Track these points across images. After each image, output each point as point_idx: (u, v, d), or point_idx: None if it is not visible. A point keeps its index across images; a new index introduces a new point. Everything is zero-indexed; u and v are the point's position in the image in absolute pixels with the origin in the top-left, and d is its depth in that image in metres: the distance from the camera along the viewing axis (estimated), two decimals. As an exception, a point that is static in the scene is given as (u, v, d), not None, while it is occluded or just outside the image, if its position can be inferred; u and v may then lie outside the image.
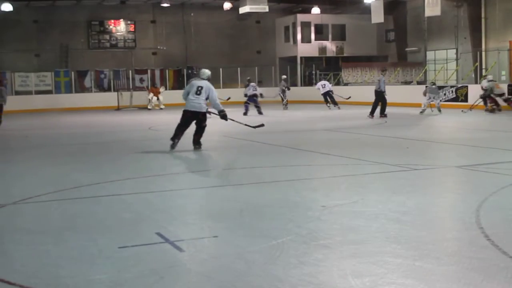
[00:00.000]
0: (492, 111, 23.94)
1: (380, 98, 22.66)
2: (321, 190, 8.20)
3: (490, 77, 25.53)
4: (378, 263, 4.75)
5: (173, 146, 13.01)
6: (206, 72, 13.81)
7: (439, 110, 24.35)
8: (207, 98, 13.33)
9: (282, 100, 30.46)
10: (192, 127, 13.27)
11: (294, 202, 7.22)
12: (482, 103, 24.71)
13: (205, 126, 13.44)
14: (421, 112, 24.19)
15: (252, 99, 26.11)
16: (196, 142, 13.35)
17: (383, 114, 22.41)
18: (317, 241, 5.46)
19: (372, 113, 22.41)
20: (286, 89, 30.60)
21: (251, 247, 5.30)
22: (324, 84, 29.61)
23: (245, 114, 24.55)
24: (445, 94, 28.74)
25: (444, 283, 4.31)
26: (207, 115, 13.69)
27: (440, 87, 27.60)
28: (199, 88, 13.30)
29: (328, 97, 29.22)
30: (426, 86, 26.29)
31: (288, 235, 5.64)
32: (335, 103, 28.99)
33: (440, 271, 4.58)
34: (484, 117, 21.81)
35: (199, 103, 13.24)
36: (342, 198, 7.38)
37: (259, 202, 7.28)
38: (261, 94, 26.46)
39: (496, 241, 5.25)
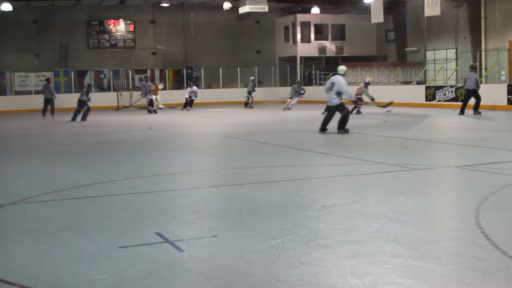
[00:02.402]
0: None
1: (474, 95, 22.52)
2: (321, 190, 8.20)
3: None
4: (378, 263, 4.75)
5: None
6: (342, 68, 16.65)
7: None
8: (339, 93, 15.99)
9: (248, 100, 31.30)
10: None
11: (294, 202, 7.22)
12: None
13: (346, 114, 16.08)
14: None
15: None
16: (340, 127, 16.07)
17: (477, 111, 22.32)
18: (316, 241, 5.46)
19: (476, 109, 22.39)
20: (252, 90, 31.41)
21: (250, 247, 5.30)
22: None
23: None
24: (444, 94, 28.75)
25: (443, 283, 4.31)
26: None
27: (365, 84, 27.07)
28: (331, 84, 16.12)
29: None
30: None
31: (288, 235, 5.64)
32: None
33: (440, 271, 4.58)
34: (484, 117, 21.78)
35: (330, 98, 16.16)
36: (342, 198, 7.38)
37: (259, 202, 7.28)
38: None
39: (495, 241, 5.25)
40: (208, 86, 40.76)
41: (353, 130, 16.23)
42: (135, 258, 5.10)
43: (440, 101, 28.67)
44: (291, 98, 29.26)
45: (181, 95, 32.86)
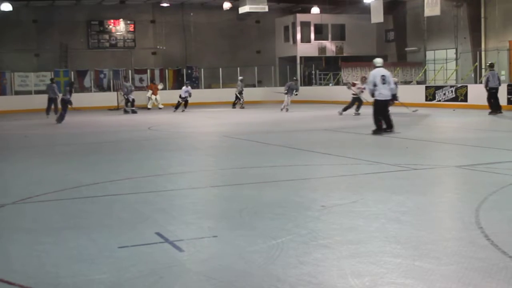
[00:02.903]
0: None
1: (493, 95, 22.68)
2: (321, 190, 8.20)
3: None
4: (378, 263, 4.76)
5: (380, 132, 15.34)
6: (380, 60, 16.16)
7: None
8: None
9: (237, 100, 31.22)
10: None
11: (294, 202, 7.22)
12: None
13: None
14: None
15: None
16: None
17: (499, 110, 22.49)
18: (316, 241, 5.46)
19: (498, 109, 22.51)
20: (242, 90, 31.40)
21: (250, 247, 5.30)
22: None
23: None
24: (444, 94, 28.75)
25: (443, 283, 4.31)
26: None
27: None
28: (383, 78, 15.39)
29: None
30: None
31: (288, 235, 5.65)
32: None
33: (440, 271, 4.58)
34: (484, 117, 21.79)
35: (385, 91, 15.41)
36: (342, 198, 7.38)
37: (259, 202, 7.28)
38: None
39: (495, 241, 5.25)
40: (208, 86, 40.77)
41: (352, 130, 16.20)
42: (135, 258, 5.10)
43: (440, 101, 28.67)
44: (286, 93, 28.65)
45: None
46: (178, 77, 40.35)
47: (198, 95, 33.98)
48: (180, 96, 30.55)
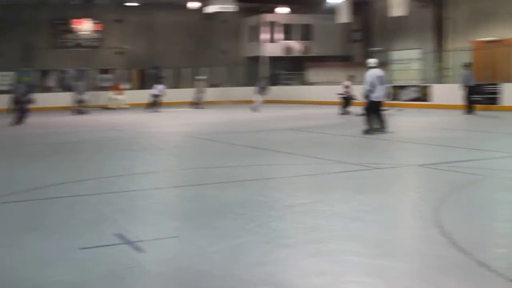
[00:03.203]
0: None
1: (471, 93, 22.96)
2: (284, 189, 8.21)
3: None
4: (339, 262, 4.78)
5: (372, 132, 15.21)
6: (373, 60, 15.92)
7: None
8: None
9: (197, 100, 31.10)
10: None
11: (257, 201, 7.22)
12: None
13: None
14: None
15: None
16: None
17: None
18: (279, 240, 5.47)
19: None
20: (204, 90, 31.30)
21: (212, 247, 5.29)
22: None
23: None
24: (409, 94, 29.03)
25: (403, 281, 4.36)
26: None
27: None
28: (379, 78, 15.36)
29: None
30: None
31: (250, 234, 5.65)
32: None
33: (400, 268, 4.63)
34: (447, 116, 22.04)
35: (379, 93, 15.41)
36: (305, 197, 7.41)
37: (221, 202, 7.26)
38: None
39: (454, 239, 5.32)
40: (174, 86, 40.58)
41: (317, 130, 16.26)
42: (96, 259, 5.06)
43: (405, 100, 28.90)
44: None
45: (147, 95, 32.62)
46: (144, 77, 40.11)
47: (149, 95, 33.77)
48: (152, 95, 30.03)
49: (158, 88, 30.21)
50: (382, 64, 36.95)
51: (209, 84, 34.30)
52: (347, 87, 25.26)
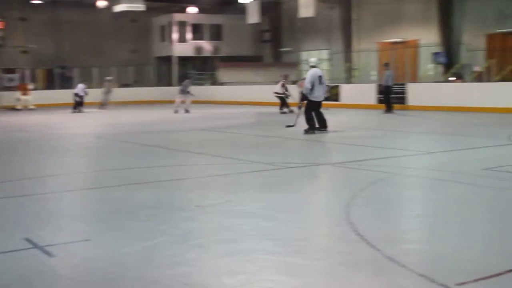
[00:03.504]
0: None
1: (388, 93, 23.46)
2: (196, 190, 8.20)
3: None
4: (252, 261, 4.80)
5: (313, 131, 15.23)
6: (314, 59, 15.81)
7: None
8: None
9: (104, 101, 30.80)
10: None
11: (168, 202, 7.17)
12: None
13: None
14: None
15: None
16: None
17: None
18: (191, 241, 5.45)
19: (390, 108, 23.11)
20: (109, 90, 31.02)
21: (124, 249, 5.21)
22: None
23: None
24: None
25: (315, 278, 4.41)
26: None
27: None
28: (319, 78, 15.12)
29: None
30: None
31: (162, 236, 5.60)
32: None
33: (312, 266, 4.69)
34: (355, 116, 22.51)
35: (321, 93, 15.37)
36: (217, 197, 7.41)
37: (132, 204, 7.17)
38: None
39: (364, 235, 5.43)
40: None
41: (228, 130, 16.28)
42: (4, 264, 4.90)
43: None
44: (182, 93, 27.82)
45: (54, 95, 31.94)
46: (51, 76, 39.18)
47: (72, 95, 33.06)
48: (76, 95, 29.00)
49: (80, 88, 29.29)
50: (292, 64, 37.79)
51: (119, 84, 33.84)
52: (283, 85, 25.64)
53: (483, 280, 4.26)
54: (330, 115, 22.85)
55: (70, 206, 7.31)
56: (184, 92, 27.25)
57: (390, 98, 23.70)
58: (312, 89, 15.21)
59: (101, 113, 28.22)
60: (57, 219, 6.51)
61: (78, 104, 28.86)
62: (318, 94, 15.41)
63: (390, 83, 23.76)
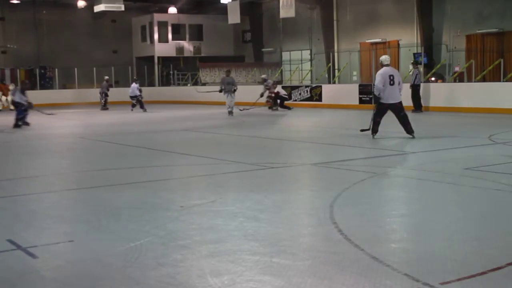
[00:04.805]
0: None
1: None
2: (180, 190, 8.19)
3: None
4: (237, 261, 4.80)
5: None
6: (386, 57, 13.93)
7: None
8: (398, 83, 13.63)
9: (101, 101, 30.70)
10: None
11: (152, 203, 7.15)
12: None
13: (405, 115, 13.78)
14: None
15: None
16: (410, 131, 13.58)
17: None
18: (175, 241, 5.44)
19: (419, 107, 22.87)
20: (107, 90, 30.88)
21: (108, 250, 5.20)
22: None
23: None
24: (300, 94, 29.57)
25: (300, 278, 4.42)
26: None
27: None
28: (391, 77, 13.49)
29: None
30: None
31: (146, 236, 5.58)
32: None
33: (296, 266, 4.69)
34: (336, 116, 22.57)
35: (394, 93, 13.56)
36: (201, 198, 7.40)
37: (116, 205, 7.14)
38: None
39: (348, 235, 5.45)
40: (63, 86, 39.60)
41: (211, 130, 16.22)
42: (-15, 266, 4.87)
43: (296, 100, 29.42)
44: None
45: (35, 95, 31.51)
46: (31, 77, 38.90)
47: (51, 95, 32.97)
48: (132, 97, 28.75)
49: (134, 87, 28.71)
50: (274, 65, 37.85)
51: (98, 85, 33.67)
52: (274, 86, 26.39)
53: (466, 279, 4.29)
54: (307, 116, 23.06)
55: (53, 207, 7.26)
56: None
57: (419, 97, 23.41)
58: (383, 90, 13.51)
59: (81, 113, 28.06)
60: (40, 221, 6.47)
61: (139, 102, 28.55)
62: (389, 96, 13.61)
63: (418, 82, 23.49)
